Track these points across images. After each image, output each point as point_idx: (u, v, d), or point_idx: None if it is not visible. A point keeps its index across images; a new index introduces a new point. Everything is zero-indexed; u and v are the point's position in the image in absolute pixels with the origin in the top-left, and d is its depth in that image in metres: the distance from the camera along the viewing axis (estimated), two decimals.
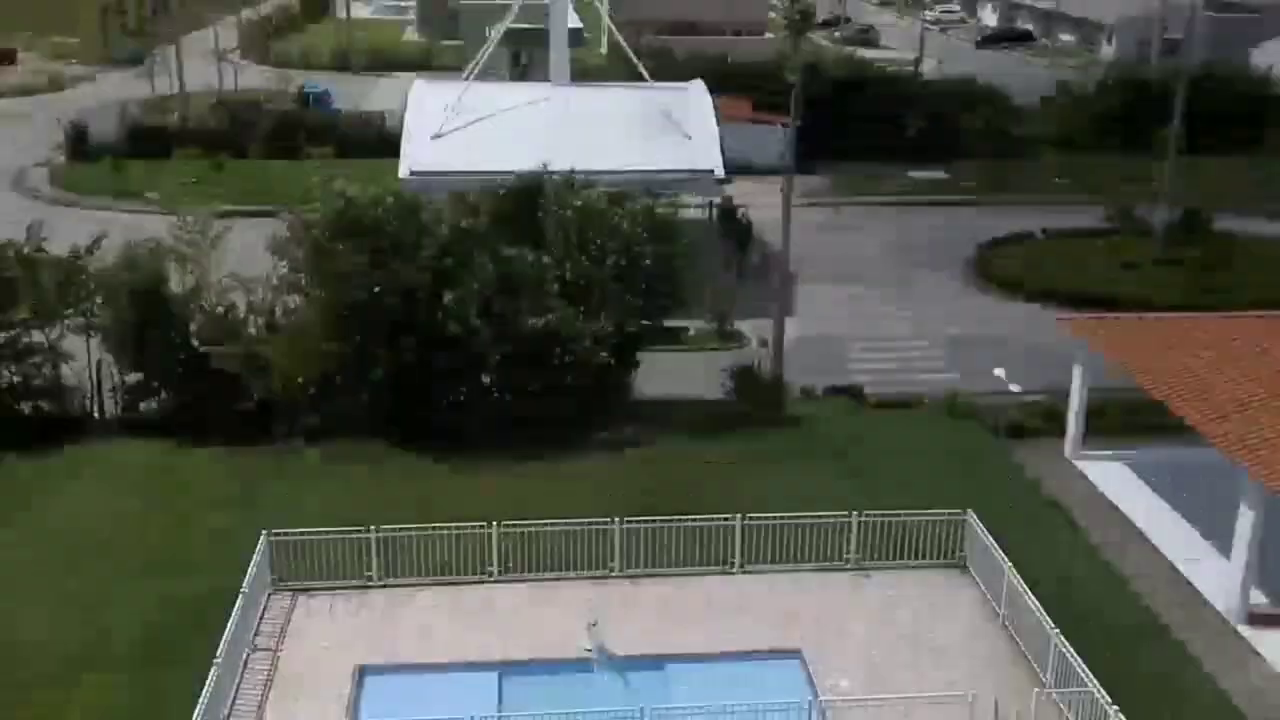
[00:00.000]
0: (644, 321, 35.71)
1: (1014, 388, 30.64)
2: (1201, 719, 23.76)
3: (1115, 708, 21.49)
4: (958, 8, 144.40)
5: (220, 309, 35.28)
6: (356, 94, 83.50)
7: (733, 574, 27.97)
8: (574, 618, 25.86)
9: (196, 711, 21.19)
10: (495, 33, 55.32)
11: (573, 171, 36.20)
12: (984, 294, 50.87)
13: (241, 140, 68.38)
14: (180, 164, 64.54)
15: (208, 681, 21.86)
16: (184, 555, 28.54)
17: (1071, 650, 22.99)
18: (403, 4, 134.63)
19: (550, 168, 36.42)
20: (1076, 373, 33.33)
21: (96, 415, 35.94)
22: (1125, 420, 35.36)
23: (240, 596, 24.54)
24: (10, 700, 23.35)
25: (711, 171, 48.14)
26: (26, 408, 35.33)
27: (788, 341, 41.82)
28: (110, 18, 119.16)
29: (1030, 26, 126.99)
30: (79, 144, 68.66)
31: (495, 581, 27.48)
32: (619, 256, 34.23)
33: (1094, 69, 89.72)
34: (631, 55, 55.21)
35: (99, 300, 34.90)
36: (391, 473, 32.56)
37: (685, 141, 48.44)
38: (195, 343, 34.67)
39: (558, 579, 27.48)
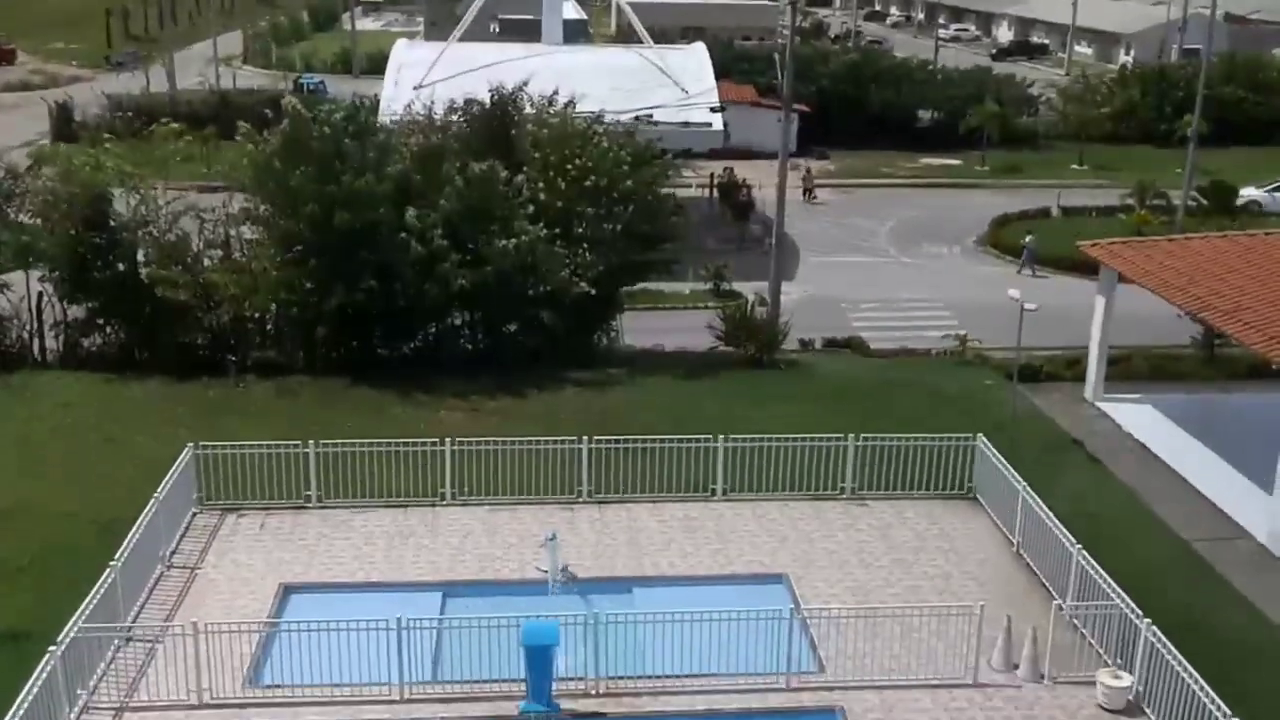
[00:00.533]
0: (627, 254, 32.86)
1: (1030, 306, 27.62)
2: (1244, 650, 20.61)
3: (1148, 621, 18.42)
4: (972, 27, 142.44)
5: (171, 237, 32.64)
6: (355, 92, 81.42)
7: (714, 501, 24.95)
8: (532, 543, 22.90)
9: (76, 617, 18.18)
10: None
11: (553, 95, 33.58)
12: (995, 263, 48.07)
13: (231, 122, 65.96)
14: (163, 144, 62.03)
15: (97, 584, 18.92)
16: (110, 478, 25.70)
17: (1096, 566, 19.95)
18: (411, 16, 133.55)
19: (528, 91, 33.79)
20: (1099, 305, 30.45)
21: (36, 352, 33.24)
22: (1152, 367, 32.60)
23: (151, 503, 21.63)
24: None
25: (709, 125, 45.48)
26: None
27: (789, 302, 39.17)
28: (115, 23, 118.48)
29: (1046, 41, 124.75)
30: (65, 124, 66.61)
31: (447, 505, 24.53)
32: (599, 179, 31.46)
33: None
34: (636, 21, 52.91)
35: (38, 222, 32.26)
36: (345, 407, 29.76)
37: (683, 96, 45.83)
38: (143, 273, 32.02)
39: (517, 504, 24.52)
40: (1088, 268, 43.15)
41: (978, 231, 52.43)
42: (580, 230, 31.89)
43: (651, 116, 37.13)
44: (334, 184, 29.46)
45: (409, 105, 33.67)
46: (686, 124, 44.89)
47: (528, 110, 33.67)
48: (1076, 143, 69.43)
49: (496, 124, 32.59)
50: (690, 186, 54.25)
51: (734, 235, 50.25)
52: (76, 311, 33.21)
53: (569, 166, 31.43)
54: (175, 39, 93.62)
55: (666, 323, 38.54)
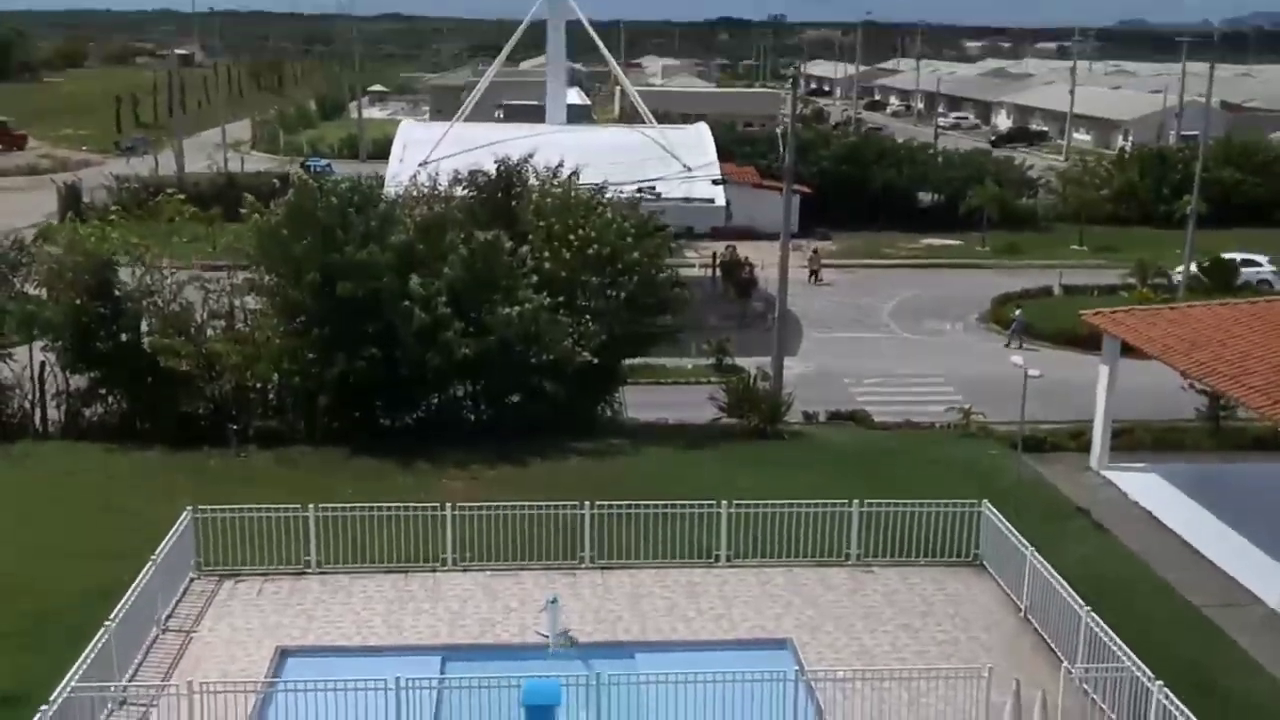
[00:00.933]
0: (630, 325, 32.87)
1: (1034, 373, 27.58)
2: (1256, 712, 20.23)
3: (1160, 683, 18.10)
4: (971, 115, 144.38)
5: (174, 307, 32.74)
6: (361, 174, 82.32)
7: (717, 567, 24.67)
8: (533, 606, 22.62)
9: (69, 678, 17.88)
10: (485, 79, 53.69)
11: (558, 167, 33.85)
12: (997, 339, 48.10)
13: (237, 204, 66.58)
14: (169, 210, 62.56)
15: (91, 644, 18.65)
16: (108, 545, 25.36)
17: (1105, 627, 19.65)
18: (416, 105, 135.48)
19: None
20: (1102, 374, 30.40)
21: (38, 421, 33.17)
22: (1156, 438, 32.54)
23: (148, 565, 21.40)
24: None
25: (711, 200, 45.82)
26: None
27: (792, 377, 39.18)
28: (125, 110, 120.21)
29: (1045, 128, 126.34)
30: (73, 205, 67.13)
31: (448, 570, 24.27)
32: (602, 249, 31.61)
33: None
34: (638, 100, 53.59)
35: (43, 293, 32.39)
36: (346, 475, 29.56)
37: (686, 173, 46.24)
38: (146, 343, 32.06)
39: (519, 569, 24.25)
40: (1089, 342, 43.54)
41: (979, 309, 52.59)
42: (583, 301, 31.94)
43: (654, 189, 37.42)
44: (337, 253, 29.58)
45: (414, 178, 33.94)
46: (688, 199, 45.24)
47: (532, 182, 33.93)
48: (1076, 224, 69.88)
49: (500, 194, 32.81)
50: (693, 266, 54.64)
51: (736, 312, 50.37)
52: (79, 381, 33.15)
53: (572, 236, 31.58)
54: (184, 125, 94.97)
55: (669, 397, 38.53)
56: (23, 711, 17.89)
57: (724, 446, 32.12)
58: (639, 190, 35.52)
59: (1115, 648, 19.22)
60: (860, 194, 69.21)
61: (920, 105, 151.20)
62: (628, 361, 35.14)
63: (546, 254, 31.31)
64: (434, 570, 24.20)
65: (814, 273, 58.92)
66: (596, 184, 33.99)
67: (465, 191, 33.81)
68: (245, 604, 22.99)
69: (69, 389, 33.24)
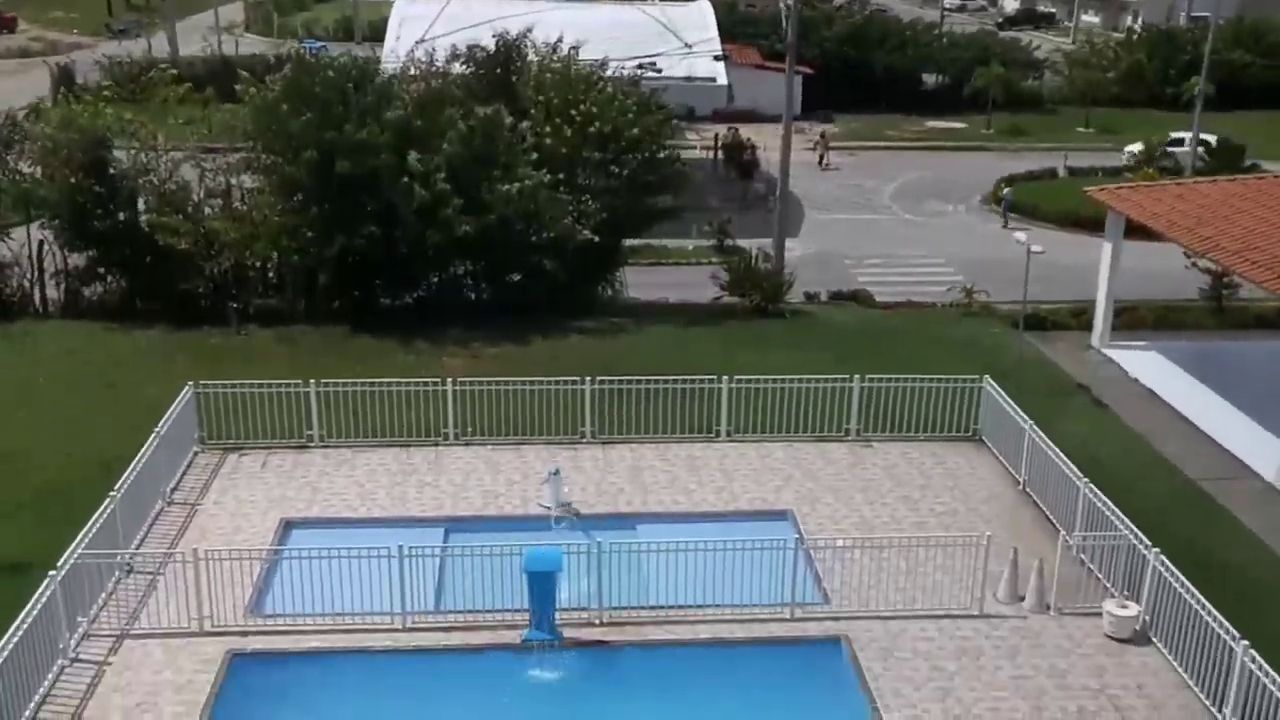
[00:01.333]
0: (630, 204, 32.60)
1: (1036, 248, 27.40)
2: (1252, 584, 20.46)
3: (1156, 550, 18.27)
4: None
5: (171, 185, 32.40)
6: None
7: (718, 442, 24.78)
8: (535, 480, 22.77)
9: (75, 544, 18.04)
10: None
11: (557, 42, 33.23)
12: (1001, 219, 47.76)
13: (232, 85, 65.57)
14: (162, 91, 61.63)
15: (96, 514, 18.78)
16: (111, 421, 25.48)
17: (1104, 499, 19.79)
18: None
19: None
20: (1106, 252, 30.22)
21: (37, 301, 33.07)
22: (1158, 317, 32.50)
23: (152, 437, 21.48)
24: None
25: (714, 79, 45.12)
26: None
27: (793, 258, 39.02)
28: None
29: (1053, 9, 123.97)
30: (66, 87, 66.15)
31: (449, 445, 24.38)
32: (602, 125, 31.17)
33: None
34: None
35: (38, 171, 32.04)
36: (347, 354, 29.55)
37: (687, 51, 45.43)
38: (143, 220, 31.81)
39: (520, 443, 24.36)
40: (1093, 224, 43.21)
41: (982, 191, 52.19)
42: (584, 179, 31.62)
43: (655, 65, 36.82)
44: (335, 130, 29.18)
45: (410, 53, 33.32)
46: (690, 78, 44.54)
47: (531, 58, 33.34)
48: (1082, 107, 69.03)
49: (499, 70, 32.26)
50: (694, 148, 53.97)
51: (738, 194, 49.98)
52: (77, 260, 32.98)
53: (573, 112, 31.13)
54: (176, 8, 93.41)
55: (670, 277, 38.43)
56: (31, 578, 18.01)
57: (725, 325, 32.12)
58: (640, 66, 34.88)
59: (1113, 518, 19.37)
60: (863, 76, 68.28)
61: None
62: (628, 242, 34.93)
63: (547, 130, 30.88)
64: (436, 445, 24.31)
65: (821, 157, 58.37)
66: (597, 60, 33.36)
67: (463, 68, 33.20)
68: (249, 477, 23.13)
69: (68, 268, 33.08)
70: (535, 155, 30.72)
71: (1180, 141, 56.02)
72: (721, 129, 55.49)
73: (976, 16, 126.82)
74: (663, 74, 37.24)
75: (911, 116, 66.96)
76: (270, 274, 32.53)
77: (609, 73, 32.92)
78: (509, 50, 32.89)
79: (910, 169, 57.29)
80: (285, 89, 29.77)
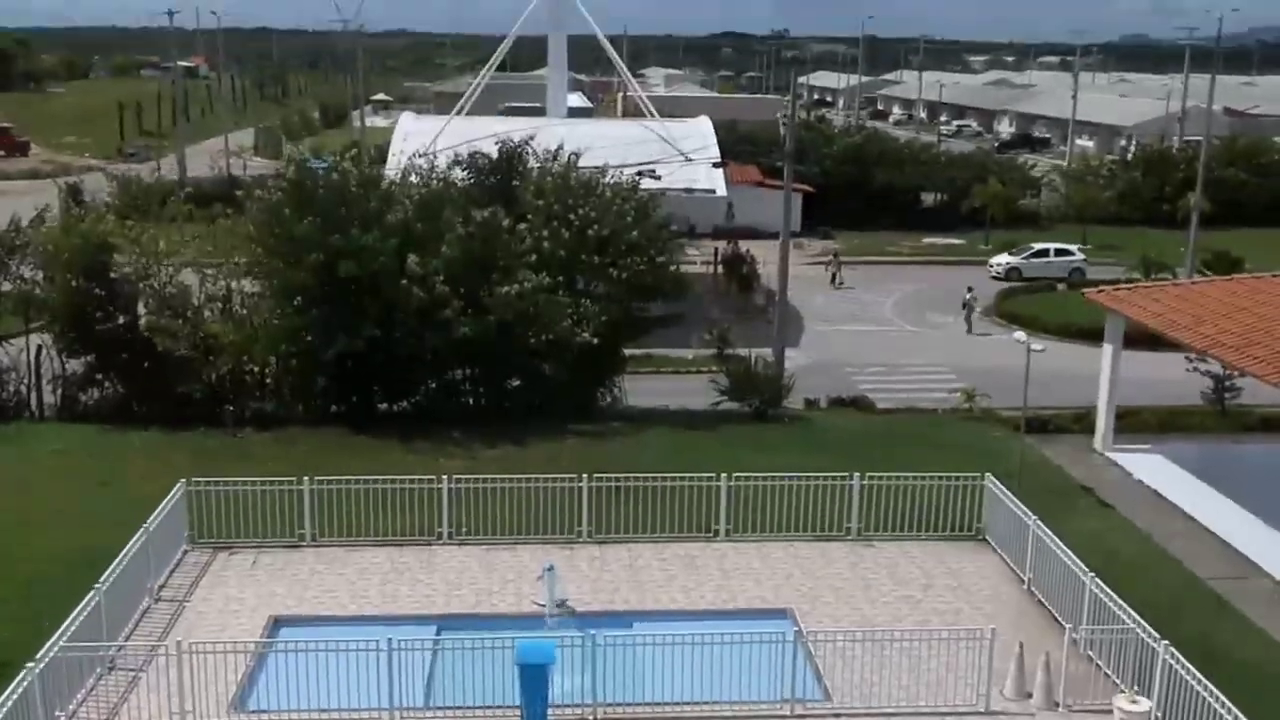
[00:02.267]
0: (630, 308, 32.63)
1: (1036, 346, 27.26)
2: (1263, 678, 19.85)
3: (1165, 643, 17.79)
4: (974, 123, 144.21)
5: (171, 289, 32.51)
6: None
7: (717, 541, 24.39)
8: (530, 578, 22.31)
9: (56, 637, 17.60)
10: (483, 74, 53.53)
11: (558, 149, 33.62)
12: (1003, 329, 47.78)
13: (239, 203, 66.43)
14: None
15: (79, 606, 18.37)
16: (101, 518, 25.05)
17: (1111, 593, 19.35)
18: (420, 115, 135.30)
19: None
20: (1106, 354, 30.12)
21: (34, 405, 32.95)
22: (1161, 420, 32.32)
23: (140, 532, 21.14)
24: None
25: (713, 190, 45.59)
26: None
27: (793, 367, 38.87)
28: (128, 119, 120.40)
29: (1048, 135, 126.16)
30: (74, 201, 66.94)
31: (444, 544, 24.00)
32: (601, 229, 31.36)
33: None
34: (642, 96, 53.43)
35: (40, 275, 32.21)
36: (344, 455, 29.23)
37: (686, 164, 46.01)
38: (142, 324, 31.86)
39: (516, 543, 23.98)
40: (1093, 335, 43.24)
41: (983, 304, 52.27)
42: (583, 284, 31.71)
43: (654, 171, 37.19)
44: (339, 234, 29.38)
45: (412, 158, 33.73)
46: (689, 189, 44.98)
47: (531, 164, 33.72)
48: (1078, 225, 69.69)
49: (500, 176, 32.60)
50: (694, 263, 54.33)
51: (738, 306, 50.13)
52: (75, 365, 32.95)
53: (572, 216, 31.36)
54: (187, 134, 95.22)
55: (669, 385, 38.29)
56: (10, 673, 17.55)
57: (724, 429, 31.87)
58: (639, 173, 35.21)
59: (1120, 612, 18.92)
60: (863, 193, 69.13)
61: (923, 114, 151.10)
62: (628, 352, 34.92)
63: (545, 234, 31.05)
64: (430, 544, 23.94)
65: (834, 275, 58.07)
66: (597, 166, 33.74)
67: (464, 174, 33.57)
68: (239, 575, 22.73)
69: (65, 373, 33.02)
70: (534, 258, 30.81)
71: (1045, 252, 59.94)
72: (722, 244, 55.94)
73: (973, 141, 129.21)
74: (662, 181, 37.45)
75: (910, 233, 67.55)
76: (268, 379, 32.38)
77: (608, 178, 33.19)
78: (510, 156, 33.28)
79: (909, 282, 57.62)
80: (288, 192, 30.02)
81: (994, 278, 58.41)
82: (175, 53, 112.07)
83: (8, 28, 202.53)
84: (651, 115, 52.08)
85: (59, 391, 33.02)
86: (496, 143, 34.15)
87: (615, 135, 47.57)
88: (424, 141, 45.88)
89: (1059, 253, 60.30)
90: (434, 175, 32.72)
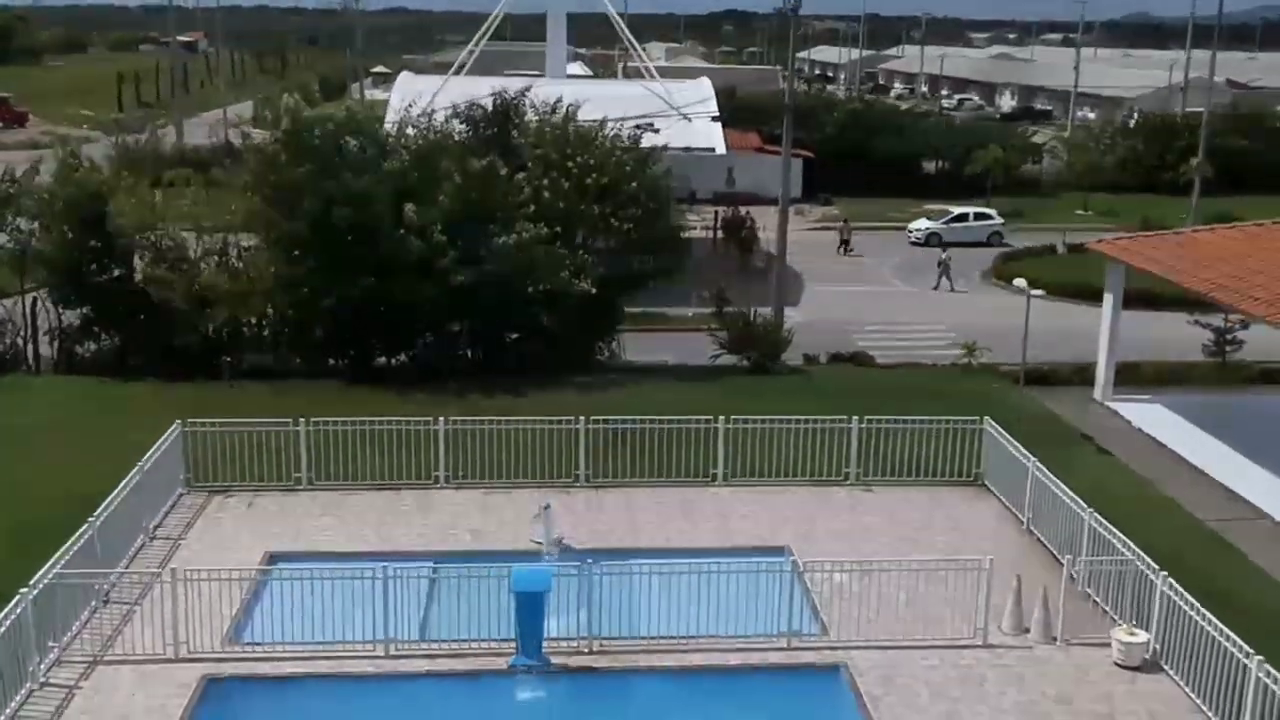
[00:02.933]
0: (628, 259, 32.44)
1: (1036, 293, 27.13)
2: (1264, 615, 19.74)
3: (1164, 574, 17.71)
4: (975, 97, 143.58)
5: (168, 242, 32.34)
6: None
7: (714, 486, 24.31)
8: (527, 520, 22.22)
9: (50, 565, 17.52)
10: (480, 37, 53.17)
11: (556, 102, 33.38)
12: (1002, 294, 47.70)
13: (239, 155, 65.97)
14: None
15: (73, 538, 18.28)
16: (97, 464, 24.79)
17: (1110, 527, 19.29)
18: None
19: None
20: (1107, 304, 29.98)
21: (30, 359, 32.82)
22: (1161, 373, 32.23)
23: (134, 470, 21.06)
24: None
25: (713, 149, 45.32)
26: None
27: (793, 325, 38.68)
28: (127, 90, 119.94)
29: (1050, 107, 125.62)
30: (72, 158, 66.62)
31: (440, 488, 23.92)
32: (600, 178, 31.15)
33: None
34: (644, 57, 53.05)
35: (36, 226, 32.03)
36: (341, 406, 29.01)
37: (686, 124, 45.70)
38: (139, 273, 31.71)
39: (512, 486, 23.88)
40: (1092, 295, 43.12)
41: (982, 267, 52.19)
42: (582, 234, 31.53)
43: (653, 125, 36.96)
44: (333, 180, 29.19)
45: (409, 108, 33.48)
46: (688, 148, 44.67)
47: (530, 117, 33.49)
48: (1080, 192, 69.43)
49: (498, 127, 32.38)
50: (694, 227, 54.11)
51: (737, 268, 49.94)
52: (71, 318, 32.82)
53: (570, 165, 31.14)
54: (186, 106, 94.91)
55: (668, 342, 38.19)
56: (2, 606, 17.49)
57: (723, 380, 31.74)
58: (638, 126, 34.96)
59: (1120, 545, 18.84)
60: (863, 160, 68.75)
61: (925, 88, 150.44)
62: (628, 310, 34.79)
63: (545, 184, 30.84)
64: (427, 488, 23.87)
65: (844, 241, 57.27)
66: (595, 120, 33.49)
67: (462, 126, 33.35)
68: (235, 516, 22.67)
69: (61, 326, 32.88)
70: (533, 209, 30.62)
71: (965, 217, 59.93)
72: (721, 209, 55.73)
73: (975, 114, 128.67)
74: (661, 137, 37.05)
75: (911, 200, 67.22)
76: (265, 331, 32.23)
77: (608, 130, 32.95)
78: (507, 108, 33.05)
79: (910, 247, 57.37)
80: (284, 140, 29.83)
81: (913, 243, 58.58)
82: (174, 27, 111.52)
83: (8, 4, 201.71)
84: (653, 78, 51.68)
85: (56, 344, 32.86)
86: (492, 94, 33.88)
87: (614, 94, 47.18)
88: (422, 99, 45.66)
89: (978, 216, 60.43)
90: (431, 128, 32.40)
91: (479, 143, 32.26)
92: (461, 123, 33.14)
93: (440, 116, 33.38)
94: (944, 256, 50.00)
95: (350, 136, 30.21)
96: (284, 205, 30.27)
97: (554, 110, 33.40)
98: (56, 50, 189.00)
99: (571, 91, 41.60)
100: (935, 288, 48.82)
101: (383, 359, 32.70)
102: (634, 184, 31.63)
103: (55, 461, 25.22)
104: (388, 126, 34.25)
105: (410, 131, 32.27)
